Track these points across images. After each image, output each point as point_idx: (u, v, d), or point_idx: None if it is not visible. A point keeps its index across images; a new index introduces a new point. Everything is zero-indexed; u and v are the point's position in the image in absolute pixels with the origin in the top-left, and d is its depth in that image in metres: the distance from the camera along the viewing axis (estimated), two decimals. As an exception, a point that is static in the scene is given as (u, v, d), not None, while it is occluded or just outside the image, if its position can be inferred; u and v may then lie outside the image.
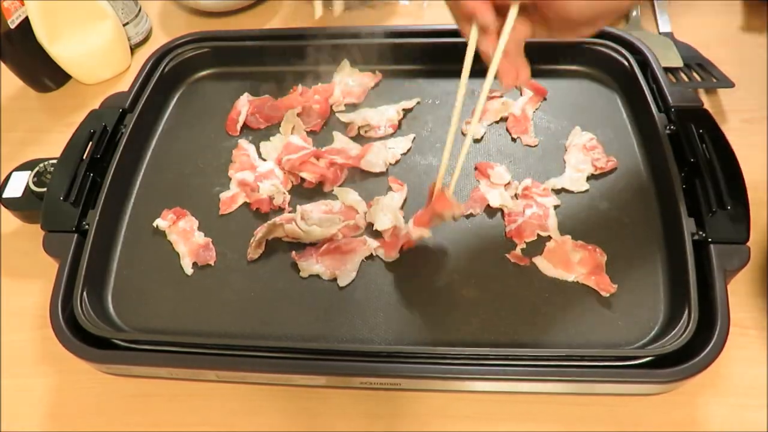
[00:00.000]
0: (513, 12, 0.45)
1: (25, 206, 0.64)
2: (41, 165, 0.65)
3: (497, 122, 0.71)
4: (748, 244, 0.53)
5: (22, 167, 0.67)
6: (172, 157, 0.71)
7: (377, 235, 0.62)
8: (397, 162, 0.68)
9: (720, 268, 0.52)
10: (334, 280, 0.59)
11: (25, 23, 0.77)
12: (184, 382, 0.56)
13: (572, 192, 0.64)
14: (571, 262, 0.58)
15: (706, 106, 0.63)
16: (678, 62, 0.75)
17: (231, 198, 0.66)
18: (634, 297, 0.56)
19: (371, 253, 0.61)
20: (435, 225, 0.57)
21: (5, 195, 0.65)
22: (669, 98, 0.64)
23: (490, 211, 0.63)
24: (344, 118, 0.72)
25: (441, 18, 0.88)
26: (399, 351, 0.52)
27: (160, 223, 0.64)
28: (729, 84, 0.72)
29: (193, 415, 0.55)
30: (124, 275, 0.62)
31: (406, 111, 0.73)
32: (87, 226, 0.60)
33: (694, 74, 0.75)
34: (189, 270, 0.61)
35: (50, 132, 0.80)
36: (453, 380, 0.51)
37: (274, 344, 0.53)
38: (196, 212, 0.65)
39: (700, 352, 0.48)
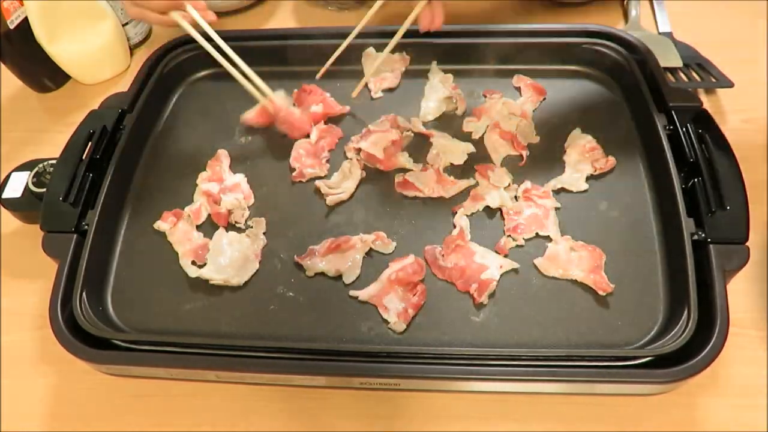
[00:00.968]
0: None
1: (24, 206, 0.64)
2: (41, 165, 0.65)
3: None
4: (748, 244, 0.53)
5: (21, 167, 0.67)
6: (171, 158, 0.71)
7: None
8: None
9: (719, 268, 0.52)
10: (338, 277, 0.59)
11: (25, 23, 0.77)
12: (184, 383, 0.56)
13: (572, 192, 0.64)
14: (570, 262, 0.58)
15: (706, 106, 0.63)
16: (677, 62, 0.75)
17: (197, 210, 0.65)
18: (633, 297, 0.56)
19: (370, 248, 0.61)
20: None
21: (5, 195, 0.65)
22: (668, 98, 0.64)
23: (490, 211, 0.63)
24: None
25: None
26: (399, 351, 0.52)
27: (160, 225, 0.64)
28: (728, 84, 0.72)
29: (193, 415, 0.55)
30: (123, 275, 0.62)
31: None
32: (86, 227, 0.60)
33: (694, 74, 0.75)
34: (189, 270, 0.61)
35: (50, 132, 0.80)
36: (453, 380, 0.51)
37: (274, 344, 0.53)
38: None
39: (700, 352, 0.48)
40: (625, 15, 0.85)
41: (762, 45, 0.79)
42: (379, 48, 0.74)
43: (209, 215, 0.65)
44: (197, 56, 0.78)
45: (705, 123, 0.61)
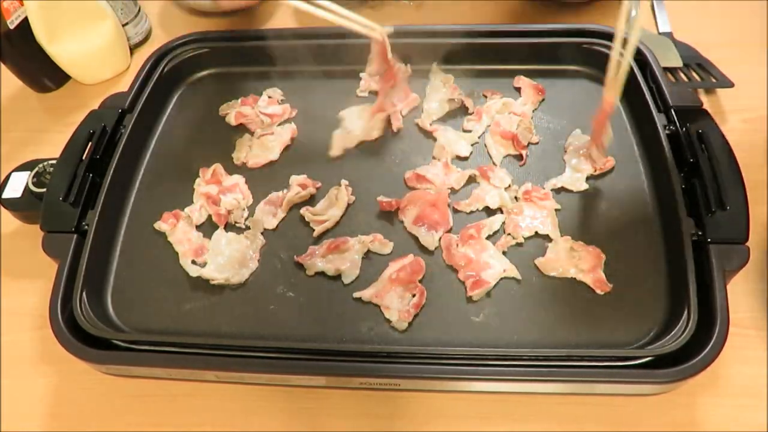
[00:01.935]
0: None
1: (24, 207, 0.64)
2: (41, 165, 0.65)
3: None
4: (748, 244, 0.53)
5: (21, 167, 0.67)
6: (171, 158, 0.71)
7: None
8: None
9: (719, 268, 0.52)
10: (338, 277, 0.59)
11: (25, 23, 0.77)
12: (184, 383, 0.56)
13: (572, 192, 0.64)
14: (570, 262, 0.58)
15: (706, 106, 0.63)
16: (677, 62, 0.75)
17: (196, 211, 0.65)
18: (633, 297, 0.56)
19: (368, 249, 0.61)
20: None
21: (5, 195, 0.65)
22: (668, 98, 0.64)
23: (490, 212, 0.63)
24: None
25: (434, 18, 0.89)
26: (399, 351, 0.52)
27: (161, 225, 0.64)
28: (728, 84, 0.72)
29: (193, 415, 0.55)
30: (123, 275, 0.62)
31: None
32: (86, 227, 0.60)
33: (694, 74, 0.75)
34: (189, 270, 0.61)
35: (50, 132, 0.80)
36: (453, 380, 0.51)
37: (274, 344, 0.53)
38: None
39: (700, 352, 0.48)
40: (626, 15, 0.85)
41: (762, 45, 0.79)
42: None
43: (209, 216, 0.65)
44: (197, 56, 0.78)
45: (705, 123, 0.61)
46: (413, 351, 0.52)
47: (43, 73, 0.84)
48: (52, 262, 0.58)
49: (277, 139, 0.71)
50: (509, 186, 0.65)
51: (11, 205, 0.65)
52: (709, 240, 0.54)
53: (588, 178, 0.65)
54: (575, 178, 0.65)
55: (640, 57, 0.70)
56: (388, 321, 0.56)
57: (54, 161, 0.65)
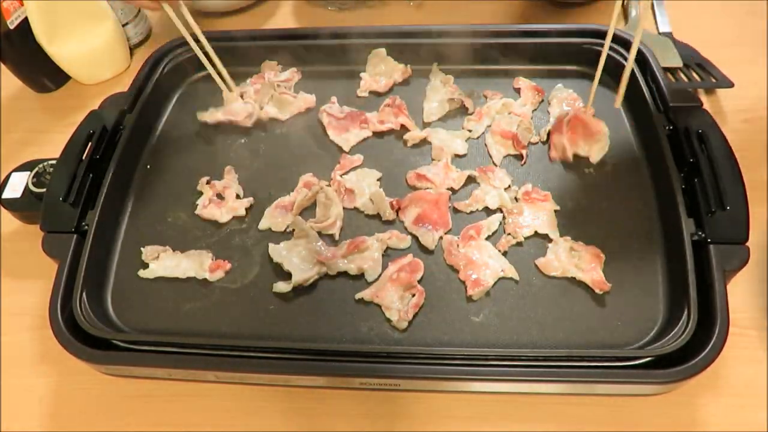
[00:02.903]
0: None
1: (24, 207, 0.64)
2: (40, 165, 0.66)
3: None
4: (748, 244, 0.53)
5: (21, 168, 0.67)
6: (171, 158, 0.71)
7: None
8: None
9: (719, 268, 0.52)
10: (338, 277, 0.60)
11: (25, 23, 0.77)
12: (184, 383, 0.56)
13: (571, 187, 0.65)
14: (570, 262, 0.58)
15: (706, 106, 0.63)
16: (677, 62, 0.75)
17: (207, 207, 0.66)
18: (633, 297, 0.56)
19: (387, 246, 0.61)
20: None
21: (5, 195, 0.65)
22: (668, 98, 0.64)
23: (489, 212, 0.63)
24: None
25: (434, 18, 0.89)
26: (399, 351, 0.52)
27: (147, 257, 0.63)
28: (728, 84, 0.72)
29: (193, 415, 0.55)
30: (123, 275, 0.62)
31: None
32: (86, 227, 0.60)
33: (694, 74, 0.75)
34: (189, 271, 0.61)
35: (50, 132, 0.80)
36: (453, 380, 0.51)
37: (274, 344, 0.53)
38: (196, 212, 0.66)
39: (700, 353, 0.48)
40: (625, 15, 0.85)
41: (762, 45, 0.79)
42: (389, 49, 0.75)
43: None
44: (197, 56, 0.78)
45: (705, 123, 0.61)
46: (413, 351, 0.52)
47: (43, 73, 0.84)
48: (52, 262, 0.58)
49: (295, 103, 0.73)
50: (509, 186, 0.65)
51: (11, 205, 0.65)
52: (709, 240, 0.54)
53: (587, 177, 0.66)
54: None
55: (640, 57, 0.70)
56: (388, 321, 0.56)
57: (54, 161, 0.65)
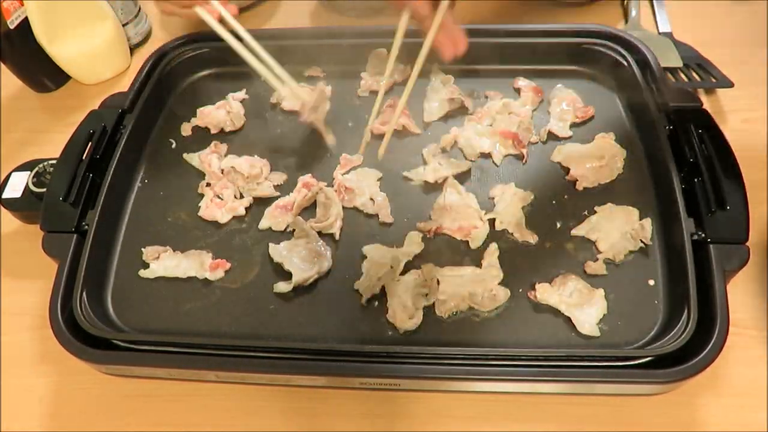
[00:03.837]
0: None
1: (24, 207, 0.64)
2: (41, 165, 0.65)
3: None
4: (748, 244, 0.53)
5: (21, 167, 0.67)
6: (171, 158, 0.71)
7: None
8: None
9: (719, 268, 0.52)
10: (337, 277, 0.60)
11: (25, 23, 0.77)
12: (184, 382, 0.56)
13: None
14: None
15: (706, 106, 0.63)
16: (677, 62, 0.75)
17: (208, 208, 0.66)
18: (633, 297, 0.56)
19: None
20: None
21: (5, 195, 0.65)
22: (668, 98, 0.64)
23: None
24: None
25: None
26: (399, 351, 0.52)
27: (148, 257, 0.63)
28: (728, 84, 0.72)
29: (193, 415, 0.55)
30: (123, 275, 0.62)
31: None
32: (86, 227, 0.60)
33: (694, 74, 0.75)
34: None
35: (50, 132, 0.80)
36: (453, 380, 0.51)
37: (274, 344, 0.53)
38: (197, 212, 0.66)
39: (700, 353, 0.48)
40: (625, 15, 0.85)
41: (762, 45, 0.79)
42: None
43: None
44: (197, 56, 0.78)
45: (705, 123, 0.61)
46: (413, 351, 0.52)
47: (43, 73, 0.84)
48: (52, 262, 0.58)
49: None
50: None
51: (11, 205, 0.65)
52: (709, 240, 0.54)
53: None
54: (560, 125, 0.69)
55: (640, 57, 0.70)
56: (389, 321, 0.56)
57: (54, 161, 0.65)
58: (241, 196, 0.67)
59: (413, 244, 0.61)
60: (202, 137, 0.73)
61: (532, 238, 0.60)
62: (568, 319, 0.55)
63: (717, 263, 0.52)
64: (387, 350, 0.52)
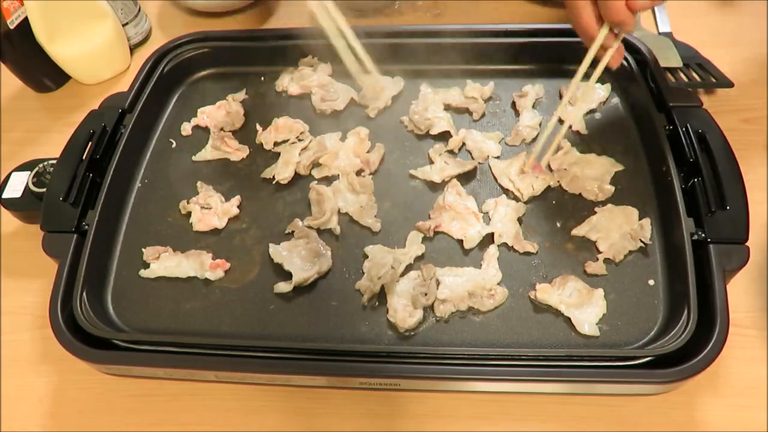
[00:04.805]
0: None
1: (24, 206, 0.64)
2: (41, 165, 0.65)
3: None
4: (747, 243, 0.53)
5: (21, 167, 0.67)
6: (171, 158, 0.71)
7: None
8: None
9: (719, 268, 0.52)
10: (337, 277, 0.60)
11: (25, 23, 0.77)
12: (184, 382, 0.56)
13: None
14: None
15: (706, 106, 0.63)
16: (677, 62, 0.75)
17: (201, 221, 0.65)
18: (633, 297, 0.56)
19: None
20: None
21: (5, 195, 0.65)
22: (668, 98, 0.64)
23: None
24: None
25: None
26: (399, 351, 0.52)
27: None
28: (728, 84, 0.72)
29: (193, 415, 0.55)
30: (123, 275, 0.62)
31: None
32: (86, 227, 0.60)
33: (694, 74, 0.75)
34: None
35: (50, 132, 0.80)
36: (453, 380, 0.51)
37: (274, 344, 0.53)
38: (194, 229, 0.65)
39: (700, 352, 0.48)
40: (625, 15, 0.85)
41: (762, 45, 0.79)
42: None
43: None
44: (197, 56, 0.78)
45: (705, 123, 0.61)
46: (413, 351, 0.52)
47: (43, 73, 0.84)
48: (52, 262, 0.58)
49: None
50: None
51: (11, 205, 0.65)
52: (709, 240, 0.54)
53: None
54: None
55: (640, 57, 0.70)
56: (389, 321, 0.56)
57: (54, 161, 0.65)
58: (227, 199, 0.66)
59: (414, 245, 0.61)
60: (202, 137, 0.73)
61: (533, 248, 0.60)
62: (568, 319, 0.55)
63: (717, 263, 0.52)
64: (387, 350, 0.52)
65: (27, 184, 0.65)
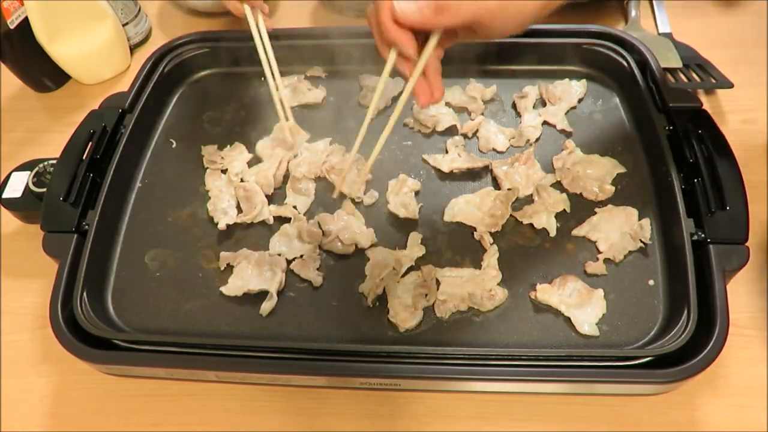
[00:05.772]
0: (433, 39, 0.45)
1: (24, 206, 0.64)
2: (41, 165, 0.65)
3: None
4: (747, 244, 0.53)
5: (21, 167, 0.67)
6: (171, 158, 0.71)
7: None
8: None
9: (719, 268, 0.52)
10: (337, 277, 0.60)
11: (25, 23, 0.77)
12: (184, 382, 0.56)
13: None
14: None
15: (705, 106, 0.64)
16: (677, 63, 0.76)
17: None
18: (633, 297, 0.56)
19: None
20: None
21: (5, 195, 0.65)
22: (668, 99, 0.64)
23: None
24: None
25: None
26: (399, 351, 0.52)
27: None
28: (728, 84, 0.72)
29: (193, 415, 0.55)
30: (124, 275, 0.62)
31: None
32: (87, 227, 0.60)
33: (693, 75, 0.75)
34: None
35: (50, 132, 0.80)
36: (453, 380, 0.51)
37: (274, 344, 0.53)
38: (197, 212, 0.66)
39: (700, 352, 0.48)
40: (625, 15, 0.85)
41: (762, 45, 0.80)
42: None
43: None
44: (197, 56, 0.78)
45: (705, 123, 0.61)
46: (413, 351, 0.52)
47: (43, 73, 0.84)
48: (52, 262, 0.58)
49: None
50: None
51: (11, 205, 0.65)
52: (708, 240, 0.54)
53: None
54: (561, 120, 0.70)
55: (640, 57, 0.70)
56: (389, 321, 0.56)
57: (54, 161, 0.65)
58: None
59: (414, 246, 0.61)
60: (207, 133, 0.73)
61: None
62: (568, 319, 0.55)
63: (717, 263, 0.52)
64: (387, 350, 0.52)
65: (27, 184, 0.65)
